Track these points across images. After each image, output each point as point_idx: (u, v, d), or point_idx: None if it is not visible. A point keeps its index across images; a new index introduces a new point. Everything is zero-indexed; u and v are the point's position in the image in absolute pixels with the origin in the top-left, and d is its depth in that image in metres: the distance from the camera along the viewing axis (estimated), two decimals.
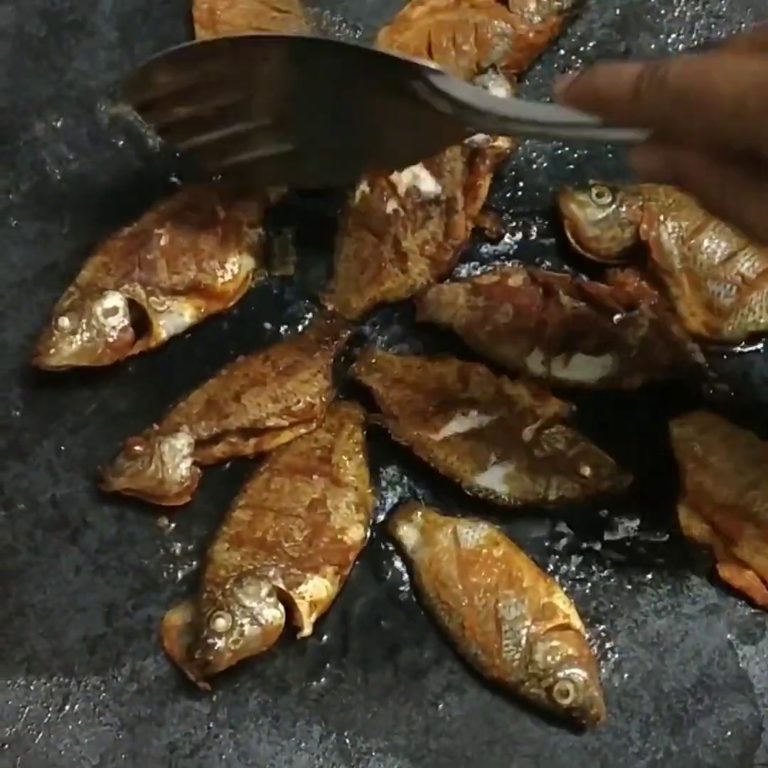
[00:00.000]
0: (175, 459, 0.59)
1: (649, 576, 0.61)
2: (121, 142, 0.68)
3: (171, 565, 0.61)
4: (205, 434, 0.60)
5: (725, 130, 0.43)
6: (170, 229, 0.64)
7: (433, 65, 0.53)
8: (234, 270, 0.65)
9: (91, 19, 0.71)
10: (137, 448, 0.59)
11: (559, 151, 0.69)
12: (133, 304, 0.63)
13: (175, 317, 0.64)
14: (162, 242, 0.63)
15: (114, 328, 0.62)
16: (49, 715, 0.59)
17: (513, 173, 0.68)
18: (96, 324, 0.61)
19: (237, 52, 0.56)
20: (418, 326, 0.65)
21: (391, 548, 0.61)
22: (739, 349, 0.64)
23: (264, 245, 0.67)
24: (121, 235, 0.64)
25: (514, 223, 0.67)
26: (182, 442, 0.59)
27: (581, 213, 0.65)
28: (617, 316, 0.63)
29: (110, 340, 0.62)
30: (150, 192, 0.66)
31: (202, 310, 0.64)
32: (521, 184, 0.68)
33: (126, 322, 0.62)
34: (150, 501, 0.61)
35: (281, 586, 0.58)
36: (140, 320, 0.63)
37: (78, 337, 0.61)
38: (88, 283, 0.63)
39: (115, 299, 0.62)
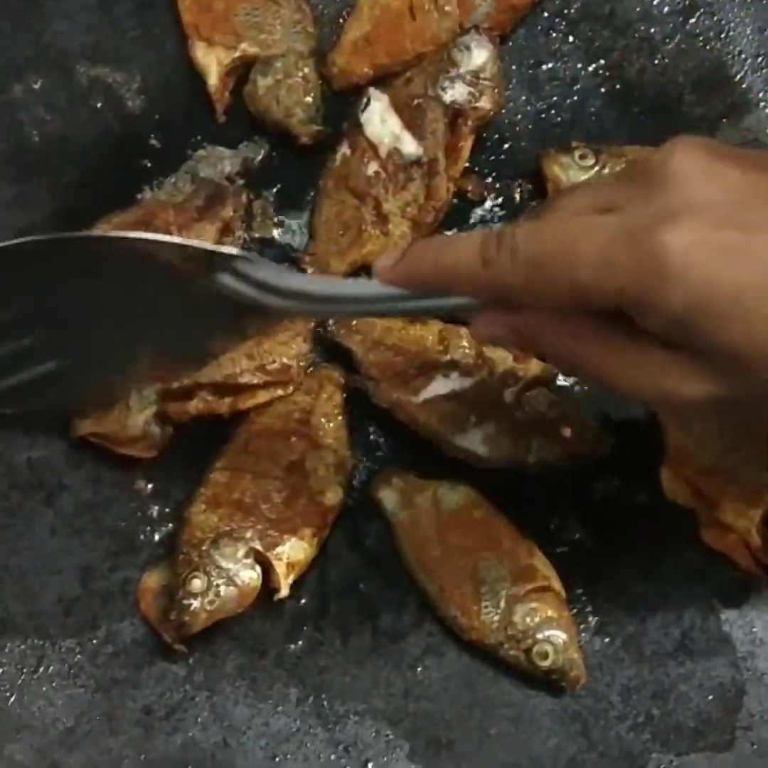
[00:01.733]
0: (141, 403, 0.60)
1: (631, 539, 0.61)
2: (100, 104, 0.68)
3: (148, 528, 0.62)
4: (175, 384, 0.60)
5: (588, 292, 0.41)
6: None
7: (236, 252, 0.48)
8: None
9: None
10: None
11: (544, 114, 0.69)
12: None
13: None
14: None
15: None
16: (23, 677, 0.59)
17: (496, 135, 0.68)
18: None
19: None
20: None
21: (370, 511, 0.62)
22: None
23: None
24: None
25: (497, 185, 0.67)
26: (149, 389, 0.60)
27: (564, 175, 0.65)
28: None
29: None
30: (129, 154, 0.67)
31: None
32: (505, 146, 0.68)
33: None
34: (117, 450, 0.61)
35: (258, 547, 0.58)
36: None
37: None
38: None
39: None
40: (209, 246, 0.49)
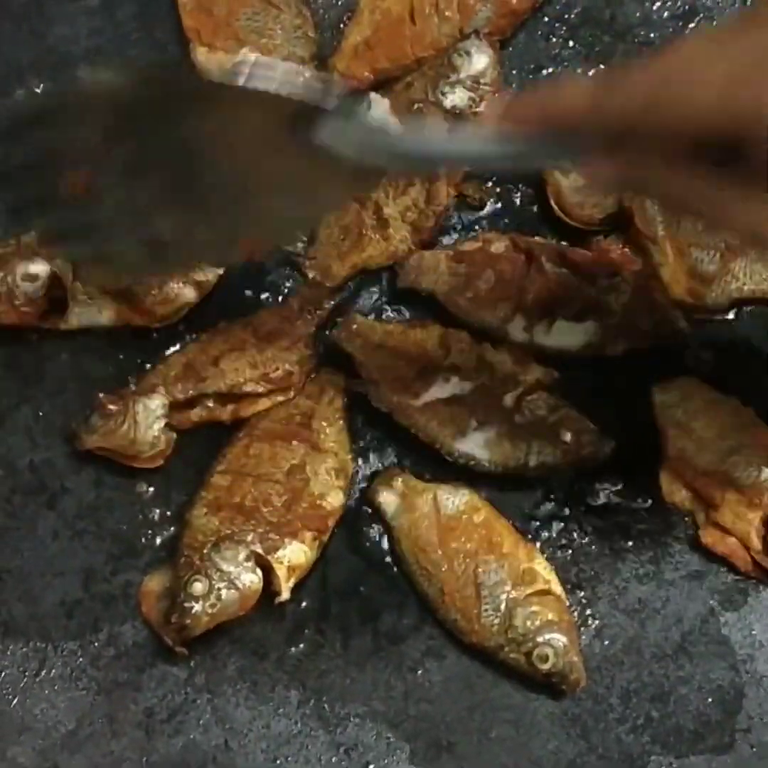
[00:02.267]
0: (149, 419, 0.60)
1: (631, 542, 0.62)
2: None
3: (149, 531, 0.62)
4: (181, 396, 0.61)
5: (708, 119, 0.41)
6: None
7: (331, 105, 0.47)
8: (170, 295, 0.64)
9: None
10: (111, 406, 0.60)
11: None
12: (58, 283, 0.63)
13: (92, 312, 0.64)
14: None
15: (26, 293, 0.63)
16: (25, 679, 0.60)
17: None
18: (10, 282, 0.62)
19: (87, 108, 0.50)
20: (399, 293, 0.66)
21: (371, 515, 0.63)
22: (722, 316, 0.65)
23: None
24: None
25: (497, 190, 0.68)
26: (157, 403, 0.60)
27: (564, 180, 0.66)
28: (600, 283, 0.64)
29: (17, 302, 0.63)
30: None
31: (122, 319, 0.64)
32: None
33: (40, 293, 0.63)
34: (123, 462, 0.62)
35: (259, 550, 0.59)
36: (61, 299, 0.64)
37: None
38: (23, 243, 0.64)
39: (39, 267, 0.63)
40: (306, 96, 0.48)
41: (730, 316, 0.65)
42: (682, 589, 0.61)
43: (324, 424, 0.63)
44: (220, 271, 0.65)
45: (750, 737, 0.59)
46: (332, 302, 0.66)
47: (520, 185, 0.68)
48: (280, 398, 0.64)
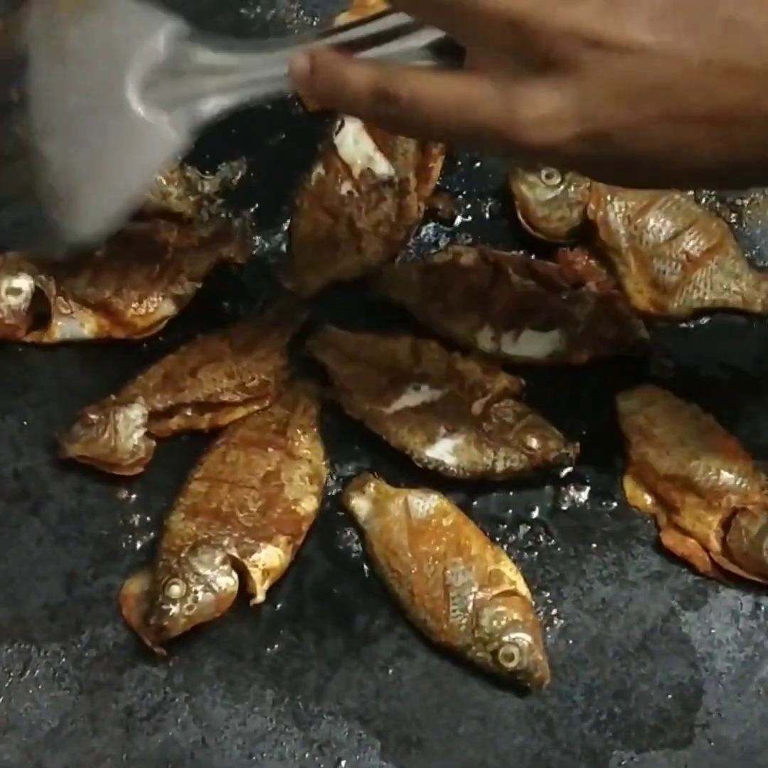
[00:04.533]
0: (129, 428, 0.63)
1: (595, 545, 0.65)
2: None
3: (130, 536, 0.65)
4: (160, 406, 0.65)
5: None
6: (112, 246, 0.67)
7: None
8: (150, 308, 0.67)
9: None
10: (93, 416, 0.63)
11: None
12: (41, 297, 0.67)
13: (75, 325, 0.67)
14: (98, 254, 0.67)
15: (10, 307, 0.66)
16: (10, 679, 0.63)
17: (466, 155, 0.72)
18: None
19: None
20: (372, 304, 0.69)
21: (344, 519, 0.66)
22: (684, 325, 0.69)
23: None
24: None
25: (467, 205, 0.71)
26: (136, 412, 0.64)
27: (531, 194, 0.69)
28: (565, 294, 0.68)
29: (1, 316, 0.66)
30: None
31: (105, 331, 0.68)
32: (474, 166, 0.72)
33: (25, 306, 0.67)
34: (104, 469, 0.65)
35: (235, 554, 0.62)
36: (44, 314, 0.68)
37: None
38: (7, 258, 0.67)
39: (23, 282, 0.66)
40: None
41: (691, 324, 0.69)
42: (644, 590, 0.64)
43: (298, 431, 0.66)
44: (198, 285, 0.68)
45: (708, 732, 0.62)
46: (306, 313, 0.69)
47: (489, 199, 0.72)
48: (256, 407, 0.67)
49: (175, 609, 0.60)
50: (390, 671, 0.63)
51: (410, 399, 0.66)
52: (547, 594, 0.64)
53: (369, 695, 0.63)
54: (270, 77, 0.52)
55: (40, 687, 0.63)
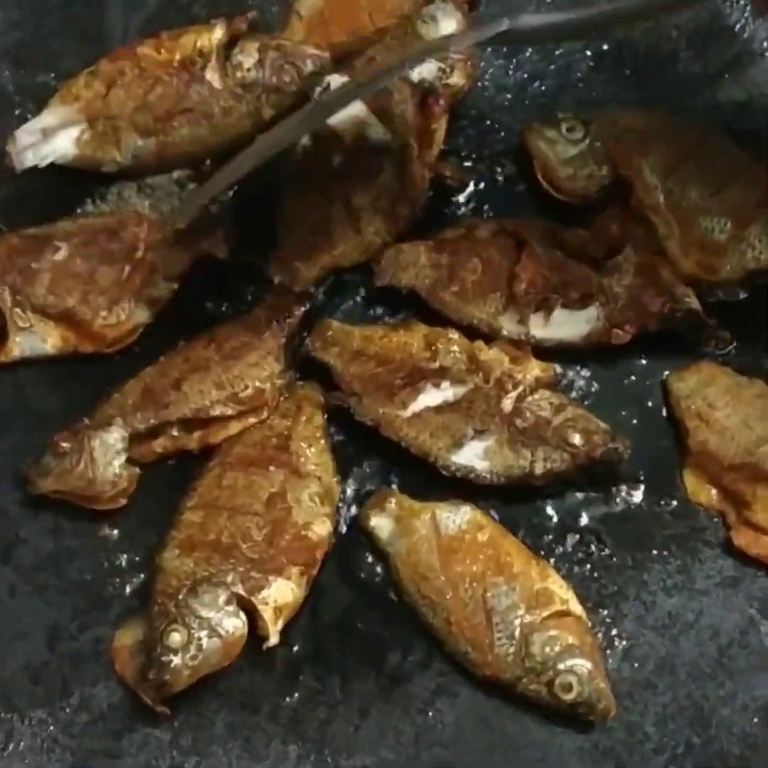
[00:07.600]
0: (107, 455, 0.60)
1: (656, 551, 0.62)
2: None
3: (117, 579, 0.62)
4: (142, 427, 0.61)
5: None
6: (74, 246, 0.64)
7: None
8: (121, 315, 0.64)
9: None
10: (64, 444, 0.60)
11: (525, 85, 0.69)
12: None
13: (35, 340, 0.65)
14: (58, 256, 0.64)
15: None
16: None
17: (473, 112, 0.69)
18: None
19: None
20: (377, 292, 0.66)
21: (364, 542, 0.62)
22: (734, 294, 0.65)
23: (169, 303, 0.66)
24: (23, 232, 0.65)
25: (478, 169, 0.68)
26: (115, 436, 0.60)
27: (551, 151, 0.66)
28: (599, 264, 0.64)
29: None
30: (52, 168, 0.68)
31: (70, 345, 0.65)
32: (483, 124, 0.69)
33: None
34: (83, 505, 0.62)
35: (241, 592, 0.59)
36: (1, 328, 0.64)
37: None
38: None
39: None
40: None
41: (743, 295, 0.65)
42: (716, 599, 0.61)
43: (303, 445, 0.63)
44: (175, 286, 0.65)
45: None
46: (302, 308, 0.66)
47: (503, 161, 0.69)
48: (253, 420, 0.64)
49: (176, 660, 0.57)
50: (430, 714, 0.60)
51: (429, 398, 0.63)
52: (605, 612, 0.61)
53: (407, 743, 0.59)
54: None
55: (26, 761, 0.60)
